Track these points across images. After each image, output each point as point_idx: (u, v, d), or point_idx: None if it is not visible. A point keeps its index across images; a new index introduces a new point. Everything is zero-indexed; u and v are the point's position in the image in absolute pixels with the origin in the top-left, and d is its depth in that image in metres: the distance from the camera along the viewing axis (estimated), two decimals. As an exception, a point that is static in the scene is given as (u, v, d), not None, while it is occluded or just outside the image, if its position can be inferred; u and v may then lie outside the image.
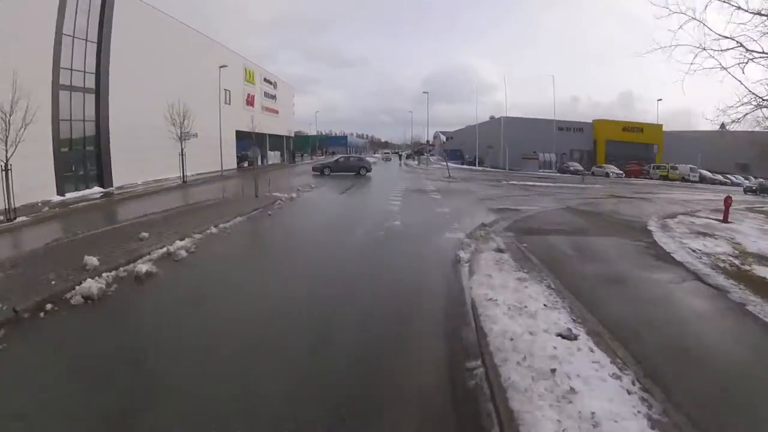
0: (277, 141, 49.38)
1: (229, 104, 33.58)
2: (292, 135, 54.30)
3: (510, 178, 27.32)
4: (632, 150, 44.80)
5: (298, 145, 70.01)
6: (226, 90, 32.99)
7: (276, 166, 39.49)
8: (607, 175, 37.73)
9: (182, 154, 21.53)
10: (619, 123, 47.62)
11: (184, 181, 21.89)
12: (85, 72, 19.25)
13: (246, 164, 38.03)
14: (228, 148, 32.70)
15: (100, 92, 20.28)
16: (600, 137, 46.54)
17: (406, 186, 20.39)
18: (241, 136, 34.22)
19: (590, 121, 48.32)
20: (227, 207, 11.93)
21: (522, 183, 23.11)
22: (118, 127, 20.74)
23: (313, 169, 27.80)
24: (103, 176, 20.88)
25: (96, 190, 20.08)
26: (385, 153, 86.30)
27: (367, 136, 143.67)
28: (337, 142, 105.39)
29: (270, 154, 43.69)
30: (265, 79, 41.61)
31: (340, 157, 30.65)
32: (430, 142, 79.13)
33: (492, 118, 56.69)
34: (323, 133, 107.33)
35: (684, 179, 36.96)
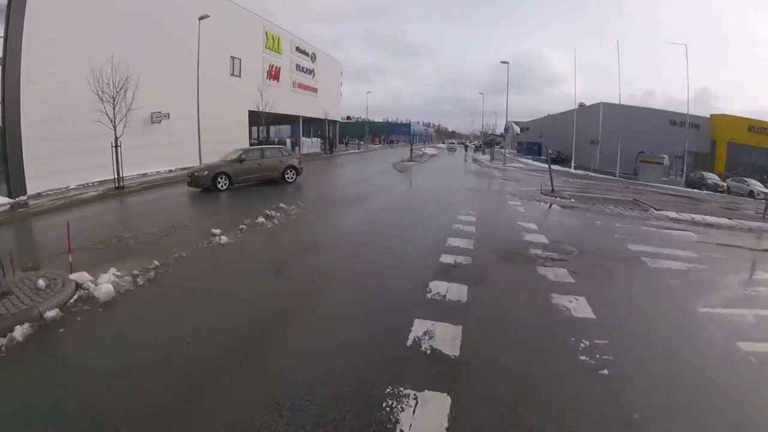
0: (319, 126, 41.26)
1: (239, 76, 25.49)
2: (339, 120, 45.59)
3: (649, 198, 16.20)
4: (756, 157, 34.09)
5: (351, 132, 62.10)
6: (233, 58, 24.93)
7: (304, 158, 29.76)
8: (751, 194, 24.62)
9: (115, 146, 13.53)
10: (744, 121, 35.50)
11: (118, 186, 13.91)
12: (-17, 31, 12.83)
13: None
14: (236, 134, 24.74)
15: (6, 60, 13.17)
16: (720, 138, 35.14)
17: (476, 214, 10.18)
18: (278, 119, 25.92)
19: (707, 116, 36.35)
20: None
21: (688, 217, 11.79)
22: (38, 108, 13.77)
23: (191, 180, 13.94)
24: (10, 179, 13.96)
25: (-4, 201, 13.21)
26: (450, 143, 77.09)
27: (433, 125, 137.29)
28: (399, 129, 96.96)
29: (306, 141, 35.44)
30: (297, 49, 33.05)
31: (242, 153, 15.17)
32: (502, 133, 67.05)
33: (582, 105, 44.04)
34: (388, 121, 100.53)
35: None
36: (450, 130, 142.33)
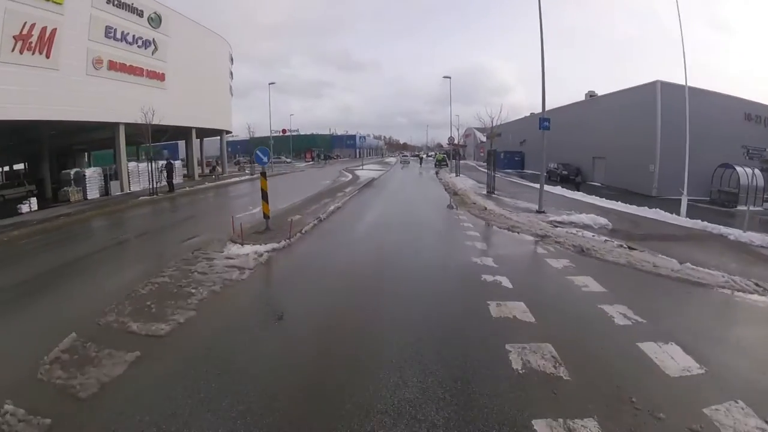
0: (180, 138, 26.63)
1: None
2: (228, 130, 31.04)
3: None
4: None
5: (290, 147, 48.40)
6: None
7: (114, 202, 14.99)
8: None
9: None
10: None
11: None
12: None
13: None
14: None
15: None
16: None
17: None
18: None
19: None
20: None
21: None
22: None
23: None
24: None
25: None
26: (404, 155, 64.92)
27: (384, 137, 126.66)
28: (343, 143, 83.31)
29: (136, 168, 20.68)
30: (111, 0, 18.58)
31: None
32: (459, 142, 55.14)
33: (591, 94, 32.06)
34: (333, 134, 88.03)
35: None
36: (402, 142, 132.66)
